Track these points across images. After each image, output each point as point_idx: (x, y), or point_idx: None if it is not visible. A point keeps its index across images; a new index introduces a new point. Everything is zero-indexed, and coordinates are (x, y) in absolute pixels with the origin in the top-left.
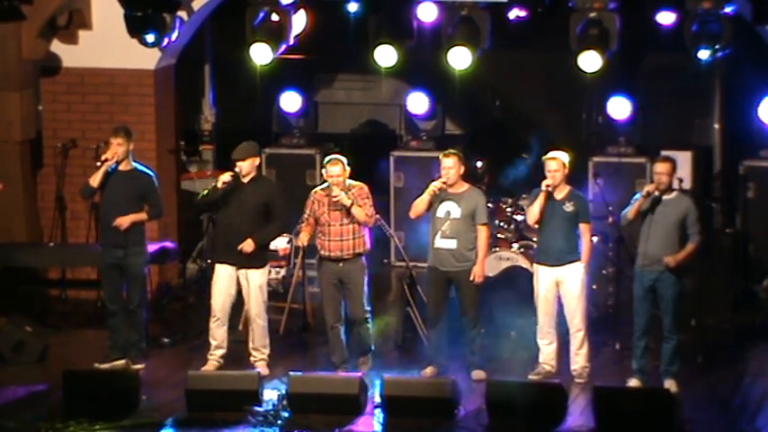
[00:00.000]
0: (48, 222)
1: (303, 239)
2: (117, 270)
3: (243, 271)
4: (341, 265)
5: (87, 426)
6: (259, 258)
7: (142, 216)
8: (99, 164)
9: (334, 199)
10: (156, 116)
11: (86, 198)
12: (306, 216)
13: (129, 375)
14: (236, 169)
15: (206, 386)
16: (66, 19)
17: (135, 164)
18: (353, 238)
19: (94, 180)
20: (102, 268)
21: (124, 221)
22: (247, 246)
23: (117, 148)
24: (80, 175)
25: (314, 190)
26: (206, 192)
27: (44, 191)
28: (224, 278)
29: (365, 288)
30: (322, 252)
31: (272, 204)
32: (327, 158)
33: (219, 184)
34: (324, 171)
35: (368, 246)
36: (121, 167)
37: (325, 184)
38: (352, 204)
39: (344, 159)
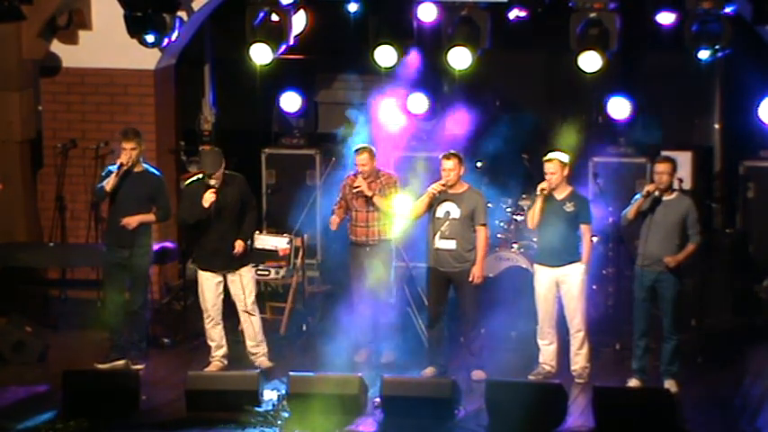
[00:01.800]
0: (48, 222)
1: (334, 222)
2: (121, 270)
3: (232, 272)
4: (367, 249)
5: (87, 426)
6: (246, 258)
7: (150, 217)
8: (110, 167)
9: (355, 190)
10: (156, 116)
11: (99, 201)
12: (338, 199)
13: (129, 375)
14: (213, 182)
15: (206, 386)
16: (66, 19)
17: (145, 165)
18: (378, 225)
19: (109, 185)
20: (107, 268)
21: (132, 221)
22: (240, 248)
23: (131, 153)
24: (80, 175)
25: (346, 174)
26: (181, 209)
27: (44, 191)
28: (209, 280)
29: (389, 272)
30: (351, 236)
31: (245, 198)
32: (355, 147)
33: (207, 204)
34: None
35: (395, 233)
36: (134, 169)
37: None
38: (373, 195)
39: (372, 148)
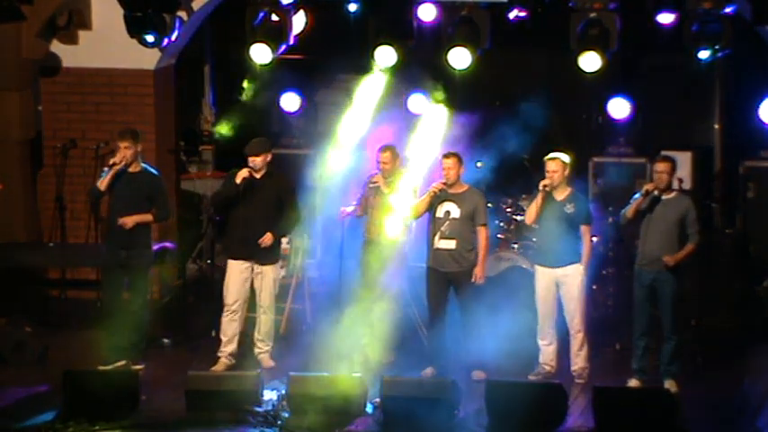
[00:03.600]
0: (48, 222)
1: (344, 212)
2: (120, 270)
3: (258, 266)
4: (379, 247)
5: (87, 426)
6: (275, 253)
7: (147, 218)
8: (107, 168)
9: (371, 185)
10: (156, 116)
11: (93, 201)
12: (360, 197)
13: (129, 375)
14: (251, 164)
15: (206, 386)
16: (65, 19)
17: (144, 165)
18: (392, 223)
19: (103, 184)
20: (106, 268)
21: (128, 221)
22: (267, 239)
23: (125, 152)
24: (80, 175)
25: (370, 174)
26: (221, 189)
27: (44, 191)
28: (238, 273)
29: (402, 271)
30: (365, 234)
31: (284, 196)
32: (379, 146)
33: (238, 180)
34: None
35: (409, 233)
36: (131, 168)
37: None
38: (390, 193)
39: (396, 148)
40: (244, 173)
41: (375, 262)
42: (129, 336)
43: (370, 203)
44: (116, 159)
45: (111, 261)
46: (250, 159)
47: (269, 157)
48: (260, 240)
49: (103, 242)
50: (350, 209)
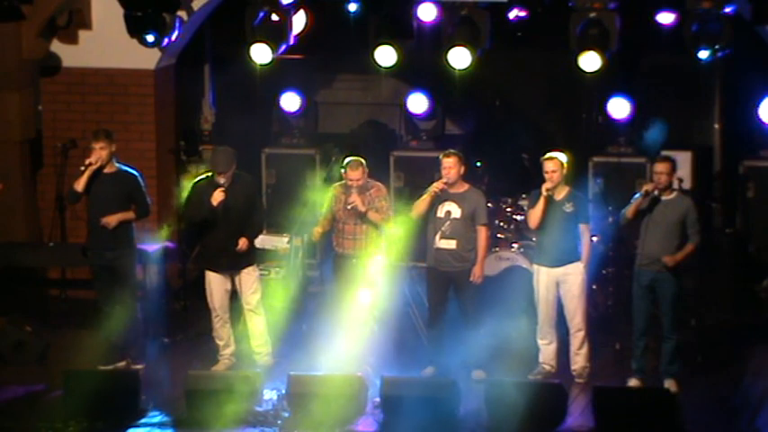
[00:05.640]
0: (47, 222)
1: (317, 234)
2: (108, 272)
3: (238, 272)
4: (354, 261)
5: (87, 426)
6: (250, 256)
7: (129, 215)
8: (83, 168)
9: (350, 206)
10: (156, 116)
11: (72, 203)
12: (324, 211)
13: (129, 375)
14: (221, 180)
15: (206, 386)
16: (66, 19)
17: (118, 165)
18: (366, 237)
19: (79, 185)
20: (94, 270)
21: (112, 220)
22: (243, 245)
23: (100, 152)
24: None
25: (333, 185)
26: (188, 207)
27: (44, 191)
28: (218, 282)
29: (379, 282)
30: (337, 248)
31: (252, 198)
32: (347, 161)
33: (215, 203)
34: (343, 171)
35: (383, 243)
36: (106, 169)
37: (344, 180)
38: (367, 210)
39: (363, 161)
40: (219, 196)
41: (348, 275)
42: (125, 336)
43: (340, 217)
44: (91, 159)
45: (98, 263)
46: (220, 176)
47: (234, 166)
48: (237, 248)
49: (86, 244)
50: (317, 231)
